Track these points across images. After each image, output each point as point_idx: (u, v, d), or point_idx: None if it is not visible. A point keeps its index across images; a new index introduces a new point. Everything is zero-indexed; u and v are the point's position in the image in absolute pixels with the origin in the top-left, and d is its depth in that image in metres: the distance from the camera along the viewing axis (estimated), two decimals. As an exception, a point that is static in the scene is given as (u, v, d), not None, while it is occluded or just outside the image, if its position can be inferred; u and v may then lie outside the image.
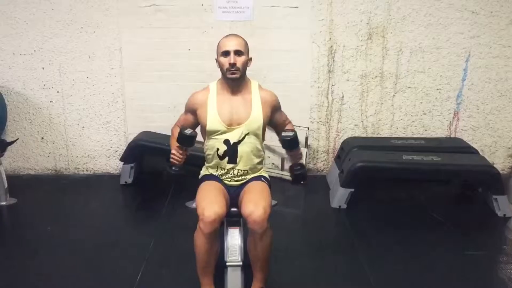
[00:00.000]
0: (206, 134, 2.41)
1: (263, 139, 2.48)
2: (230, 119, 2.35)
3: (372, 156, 3.81)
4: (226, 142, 2.36)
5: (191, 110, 2.44)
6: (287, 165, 4.48)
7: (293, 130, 2.44)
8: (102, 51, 4.22)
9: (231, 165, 2.39)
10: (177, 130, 2.37)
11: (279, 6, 4.15)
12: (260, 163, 2.49)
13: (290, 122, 2.60)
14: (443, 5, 4.17)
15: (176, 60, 4.25)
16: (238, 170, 2.40)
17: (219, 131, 2.35)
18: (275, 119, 2.50)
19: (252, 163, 2.42)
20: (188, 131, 2.31)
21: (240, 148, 2.36)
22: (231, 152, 2.37)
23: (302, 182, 2.47)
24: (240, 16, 4.16)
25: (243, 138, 2.36)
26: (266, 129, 2.49)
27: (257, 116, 2.37)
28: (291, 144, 2.40)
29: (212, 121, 2.35)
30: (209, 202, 2.22)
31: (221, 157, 2.39)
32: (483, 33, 4.24)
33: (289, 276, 2.74)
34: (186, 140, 2.31)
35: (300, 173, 2.44)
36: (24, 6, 4.10)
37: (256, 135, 2.39)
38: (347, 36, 4.24)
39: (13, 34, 4.16)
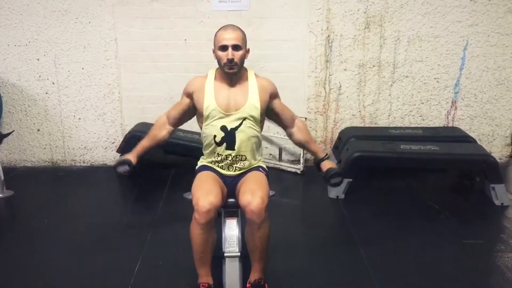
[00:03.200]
0: (203, 120, 2.38)
1: (261, 129, 2.46)
2: (227, 106, 2.33)
3: (369, 146, 3.80)
4: (223, 128, 2.34)
5: (188, 93, 2.43)
6: (284, 156, 4.48)
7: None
8: (98, 41, 4.18)
9: (229, 151, 2.37)
10: (161, 122, 2.50)
11: (276, -5, 4.12)
12: (258, 150, 2.47)
13: (297, 118, 2.59)
14: (441, -7, 4.15)
15: (172, 51, 4.22)
16: (236, 155, 2.38)
17: (215, 116, 2.33)
18: (274, 107, 2.47)
19: (251, 148, 2.40)
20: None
21: (238, 134, 2.34)
22: (229, 138, 2.35)
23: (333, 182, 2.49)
24: (237, 6, 4.13)
25: (241, 124, 2.34)
26: (265, 121, 2.49)
27: (254, 102, 2.35)
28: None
29: (209, 105, 2.33)
30: (204, 192, 2.21)
31: (219, 144, 2.37)
32: (481, 22, 4.22)
33: (287, 267, 2.74)
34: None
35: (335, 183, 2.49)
36: (18, -4, 4.06)
37: (254, 121, 2.37)
38: (345, 25, 4.21)
39: (7, 25, 4.12)
